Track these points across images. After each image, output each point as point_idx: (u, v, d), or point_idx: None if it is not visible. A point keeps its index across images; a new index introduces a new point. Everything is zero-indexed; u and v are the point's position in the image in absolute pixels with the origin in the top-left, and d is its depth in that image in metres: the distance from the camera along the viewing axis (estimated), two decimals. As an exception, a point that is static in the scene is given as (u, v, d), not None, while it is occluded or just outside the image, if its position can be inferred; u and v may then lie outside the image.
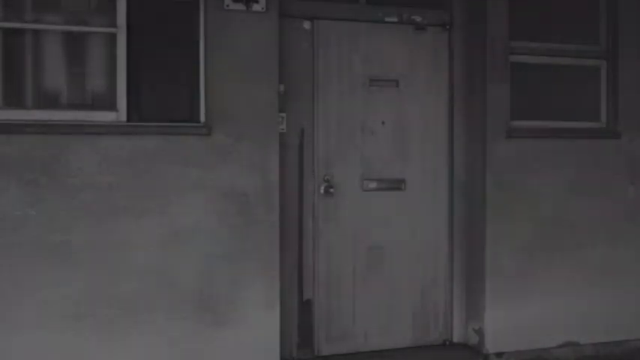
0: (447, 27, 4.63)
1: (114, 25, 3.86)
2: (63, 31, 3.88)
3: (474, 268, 4.59)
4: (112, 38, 3.87)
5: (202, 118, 3.97)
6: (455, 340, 4.69)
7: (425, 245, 4.62)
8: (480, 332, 4.52)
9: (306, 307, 4.40)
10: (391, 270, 4.55)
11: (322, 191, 4.40)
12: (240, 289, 3.96)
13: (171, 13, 4.01)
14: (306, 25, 4.36)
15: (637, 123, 4.79)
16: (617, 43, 4.77)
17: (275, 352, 4.04)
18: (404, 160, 4.57)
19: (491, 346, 4.48)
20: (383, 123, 4.52)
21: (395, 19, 4.53)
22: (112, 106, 3.87)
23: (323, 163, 4.41)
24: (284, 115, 4.26)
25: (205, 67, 3.95)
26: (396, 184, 4.56)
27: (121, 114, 3.85)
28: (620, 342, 4.76)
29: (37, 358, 3.66)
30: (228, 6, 3.95)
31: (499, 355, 4.50)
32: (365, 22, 4.47)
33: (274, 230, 4.04)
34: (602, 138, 4.75)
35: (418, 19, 4.57)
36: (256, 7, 3.99)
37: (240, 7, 3.97)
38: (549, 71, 4.72)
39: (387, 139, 4.53)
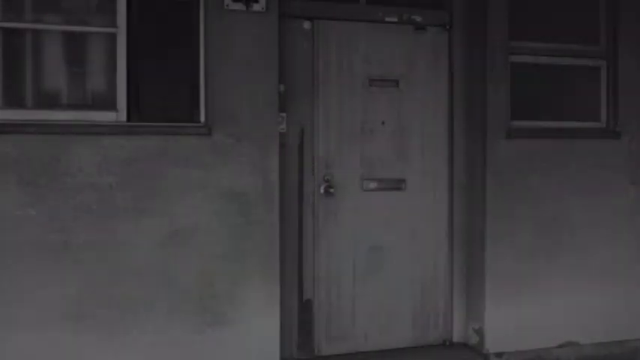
0: (447, 27, 4.63)
1: (114, 25, 3.86)
2: (63, 31, 3.88)
3: (473, 268, 4.59)
4: (112, 38, 3.87)
5: (202, 118, 3.97)
6: (455, 340, 4.69)
7: (425, 245, 4.62)
8: (480, 332, 4.52)
9: (306, 307, 4.40)
10: (391, 270, 4.55)
11: (322, 191, 4.40)
12: (240, 289, 3.97)
13: (171, 12, 4.01)
14: (306, 25, 4.36)
15: (637, 123, 4.79)
16: (617, 43, 4.77)
17: (275, 351, 4.04)
18: (404, 160, 4.57)
19: (491, 346, 4.48)
20: (383, 123, 4.52)
21: (395, 19, 4.53)
22: (112, 106, 3.87)
23: (323, 163, 4.41)
24: (284, 115, 4.26)
25: (205, 66, 3.95)
26: (396, 184, 4.56)
27: (121, 114, 3.85)
28: (620, 342, 4.76)
29: (36, 358, 3.66)
30: (228, 6, 3.95)
31: (499, 355, 4.50)
32: (365, 22, 4.47)
33: (274, 230, 4.04)
34: (602, 138, 4.75)
35: (418, 19, 4.57)
36: (256, 6, 3.99)
37: (240, 6, 3.97)
38: (549, 71, 4.72)
39: (387, 139, 4.53)
